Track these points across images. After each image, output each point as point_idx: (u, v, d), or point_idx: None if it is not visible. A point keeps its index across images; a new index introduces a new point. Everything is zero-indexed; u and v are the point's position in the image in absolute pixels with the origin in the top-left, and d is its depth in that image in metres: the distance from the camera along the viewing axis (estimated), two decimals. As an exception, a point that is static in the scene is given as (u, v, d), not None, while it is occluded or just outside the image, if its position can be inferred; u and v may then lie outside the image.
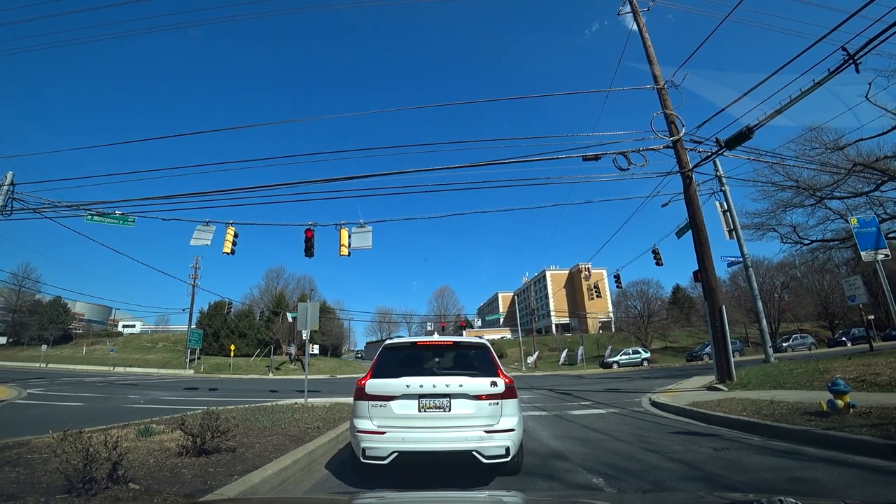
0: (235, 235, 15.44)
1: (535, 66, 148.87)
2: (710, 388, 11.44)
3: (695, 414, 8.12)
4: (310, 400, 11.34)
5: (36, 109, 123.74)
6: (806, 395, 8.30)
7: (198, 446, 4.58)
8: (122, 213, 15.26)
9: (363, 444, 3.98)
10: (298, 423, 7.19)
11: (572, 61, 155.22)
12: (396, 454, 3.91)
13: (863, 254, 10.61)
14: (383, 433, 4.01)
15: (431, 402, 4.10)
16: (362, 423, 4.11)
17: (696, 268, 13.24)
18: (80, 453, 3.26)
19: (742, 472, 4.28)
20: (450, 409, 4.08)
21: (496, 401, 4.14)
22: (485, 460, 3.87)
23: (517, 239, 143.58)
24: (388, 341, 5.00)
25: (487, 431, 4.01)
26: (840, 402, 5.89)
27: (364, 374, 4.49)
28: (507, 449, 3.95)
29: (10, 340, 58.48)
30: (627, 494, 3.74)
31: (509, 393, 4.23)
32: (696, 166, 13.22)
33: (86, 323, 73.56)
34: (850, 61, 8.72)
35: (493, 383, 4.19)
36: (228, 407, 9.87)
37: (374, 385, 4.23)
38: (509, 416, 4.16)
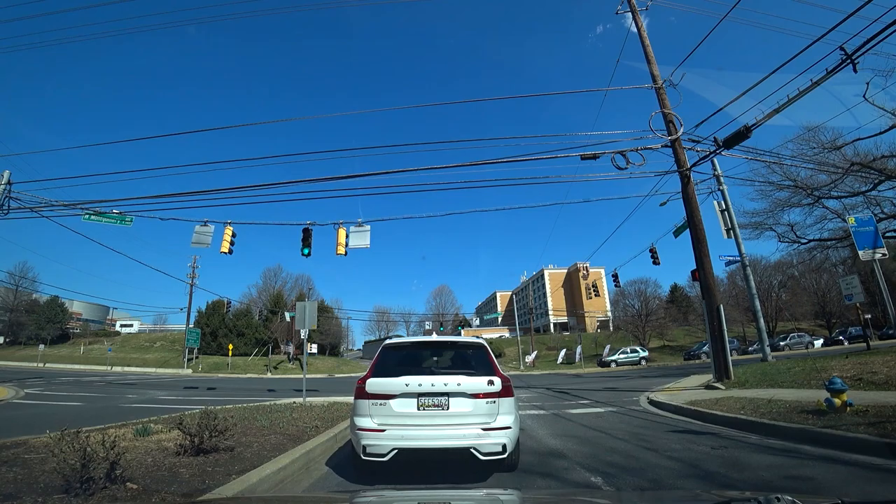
0: (233, 235, 15.41)
1: (537, 68, 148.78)
2: (708, 386, 11.47)
3: (693, 412, 8.13)
4: (308, 399, 11.33)
5: (32, 108, 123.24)
6: (804, 393, 8.33)
7: (196, 446, 4.57)
8: (120, 213, 15.21)
9: (363, 442, 4.05)
10: (297, 423, 7.18)
11: (576, 62, 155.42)
12: (396, 451, 3.97)
13: (861, 253, 10.62)
14: (383, 431, 4.07)
15: (430, 401, 4.16)
16: (363, 421, 4.18)
17: (694, 267, 13.28)
18: (78, 453, 3.25)
19: (740, 470, 4.30)
20: (448, 408, 4.15)
21: (493, 399, 4.20)
22: (482, 457, 3.94)
23: (515, 238, 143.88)
24: (388, 341, 5.06)
25: (484, 429, 4.08)
26: (837, 401, 5.91)
27: (363, 374, 4.55)
28: (504, 446, 4.02)
29: (8, 340, 58.15)
30: (624, 492, 3.75)
31: (506, 392, 4.30)
32: (694, 165, 13.23)
33: (83, 322, 73.52)
34: (848, 61, 8.73)
35: (491, 382, 4.24)
36: (227, 406, 9.86)
37: (375, 384, 4.29)
38: (506, 414, 4.23)
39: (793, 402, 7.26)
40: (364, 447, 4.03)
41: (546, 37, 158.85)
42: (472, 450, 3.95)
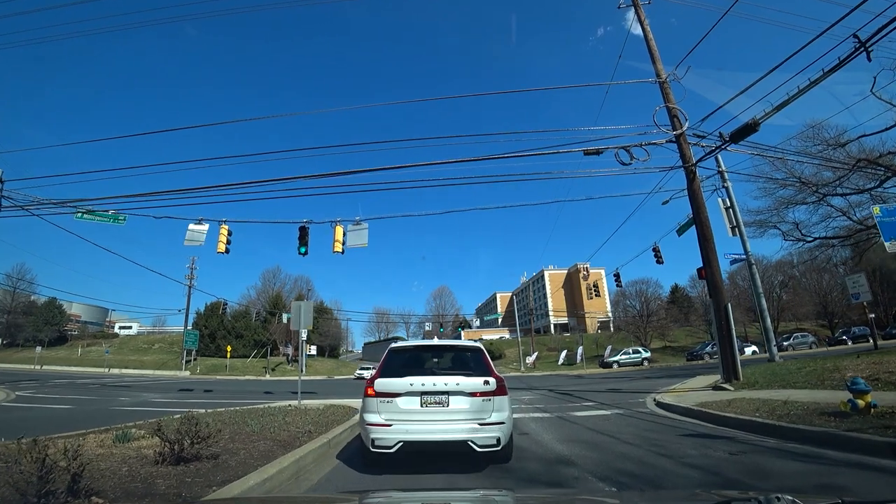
0: (229, 233, 15.07)
1: (538, 69, 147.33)
2: (716, 387, 11.12)
3: (704, 415, 7.79)
4: (304, 402, 10.97)
5: (26, 107, 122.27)
6: (819, 394, 8.00)
7: (176, 454, 4.22)
8: (114, 212, 14.87)
9: (372, 435, 4.46)
10: (289, 427, 6.83)
11: (576, 63, 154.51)
12: (401, 443, 4.39)
13: (887, 245, 10.21)
14: (390, 425, 4.47)
15: (432, 399, 4.55)
16: (371, 417, 4.58)
17: (698, 266, 13.01)
18: (36, 463, 2.91)
19: (764, 477, 3.97)
20: (448, 405, 4.54)
21: (489, 397, 4.59)
22: (478, 449, 4.36)
23: (515, 239, 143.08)
24: (393, 345, 5.52)
25: (481, 424, 4.46)
26: (861, 402, 5.58)
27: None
28: (498, 439, 4.43)
29: (5, 342, 57.82)
30: (625, 492, 3.61)
31: (500, 390, 4.68)
32: (700, 160, 12.91)
33: (82, 324, 72.92)
34: (862, 49, 8.46)
35: (486, 382, 4.63)
36: (218, 409, 9.51)
37: (382, 383, 4.68)
38: (500, 410, 4.60)
39: (810, 403, 6.93)
40: (373, 440, 4.44)
41: (547, 36, 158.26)
42: (469, 442, 4.35)
